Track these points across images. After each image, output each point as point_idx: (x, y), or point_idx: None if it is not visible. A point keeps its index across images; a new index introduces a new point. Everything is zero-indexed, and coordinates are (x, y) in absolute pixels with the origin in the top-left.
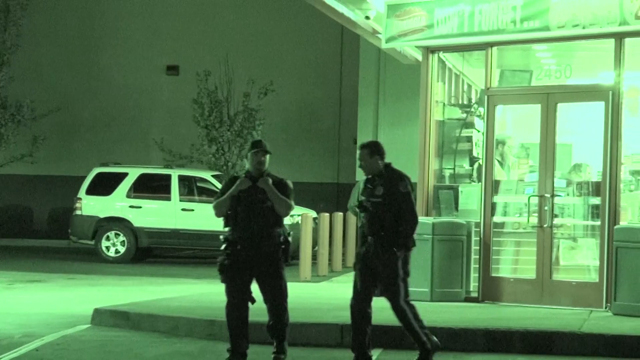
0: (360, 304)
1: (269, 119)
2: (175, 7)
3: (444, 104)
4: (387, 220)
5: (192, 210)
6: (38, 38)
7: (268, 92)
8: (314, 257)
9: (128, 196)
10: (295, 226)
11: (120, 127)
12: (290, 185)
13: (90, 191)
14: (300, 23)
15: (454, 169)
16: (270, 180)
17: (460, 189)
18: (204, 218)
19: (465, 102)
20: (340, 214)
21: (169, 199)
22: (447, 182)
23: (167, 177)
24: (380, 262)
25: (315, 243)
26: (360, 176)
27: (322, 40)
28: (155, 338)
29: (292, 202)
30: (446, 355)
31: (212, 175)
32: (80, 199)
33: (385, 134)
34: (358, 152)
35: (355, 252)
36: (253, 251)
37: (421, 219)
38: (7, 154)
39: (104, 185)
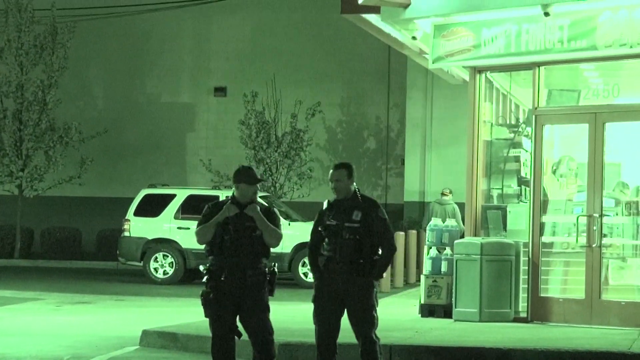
0: (328, 339)
1: (316, 140)
2: (222, 29)
3: (491, 123)
4: (366, 247)
5: None
6: (85, 60)
7: (315, 113)
8: None
9: (176, 217)
10: None
11: (167, 149)
12: (278, 214)
13: (138, 213)
14: (347, 44)
15: (502, 189)
16: (259, 208)
17: (508, 209)
18: None
19: (513, 122)
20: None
21: None
22: (495, 202)
23: (215, 199)
24: (356, 291)
25: None
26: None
27: (369, 61)
28: (203, 359)
29: (281, 232)
30: None
31: (260, 197)
32: (128, 220)
33: (432, 154)
34: (332, 172)
35: (315, 283)
36: (238, 282)
37: (469, 239)
38: (55, 175)
39: (152, 207)
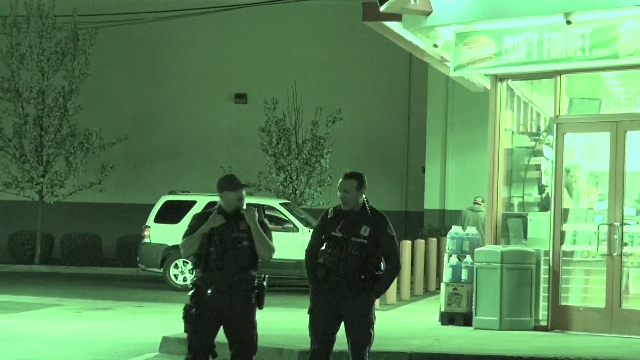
0: (323, 353)
1: (337, 147)
2: (243, 36)
3: (512, 132)
4: (371, 264)
5: None
6: (106, 67)
7: (336, 120)
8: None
9: None
10: None
11: (187, 155)
12: (269, 225)
13: (159, 219)
14: (368, 51)
15: (522, 197)
16: (257, 217)
17: (529, 217)
18: None
19: (534, 130)
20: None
21: None
22: (516, 211)
23: None
24: (355, 307)
25: None
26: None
27: (390, 68)
28: None
29: (274, 245)
30: None
31: (280, 204)
32: (148, 227)
33: (453, 162)
34: (342, 181)
35: (310, 295)
36: (224, 297)
37: (490, 247)
38: (76, 182)
39: (172, 213)
